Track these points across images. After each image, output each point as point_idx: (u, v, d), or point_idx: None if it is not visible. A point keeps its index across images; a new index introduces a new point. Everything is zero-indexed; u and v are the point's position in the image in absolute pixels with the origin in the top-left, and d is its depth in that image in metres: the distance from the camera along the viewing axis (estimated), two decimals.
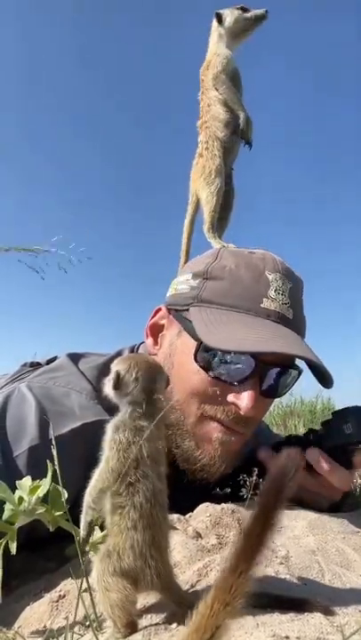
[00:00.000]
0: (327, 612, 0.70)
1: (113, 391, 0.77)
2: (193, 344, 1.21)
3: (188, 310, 1.26)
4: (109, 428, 0.75)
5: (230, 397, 1.18)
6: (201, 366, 1.19)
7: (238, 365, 1.17)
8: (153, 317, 1.39)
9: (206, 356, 1.19)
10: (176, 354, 1.28)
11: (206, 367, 1.19)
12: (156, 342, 1.37)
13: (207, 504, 1.16)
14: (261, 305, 1.19)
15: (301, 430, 4.31)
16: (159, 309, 1.39)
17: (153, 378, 0.78)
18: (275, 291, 1.20)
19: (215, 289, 1.24)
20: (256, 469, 0.98)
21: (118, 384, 0.77)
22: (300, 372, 1.28)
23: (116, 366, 0.79)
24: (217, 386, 1.19)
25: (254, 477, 0.97)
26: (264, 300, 1.19)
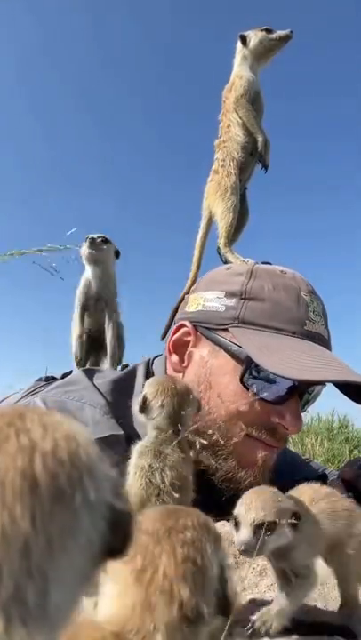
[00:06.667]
0: None
1: (141, 413, 0.77)
2: (234, 365, 1.19)
3: (226, 330, 1.23)
4: (134, 452, 0.73)
5: (275, 417, 1.18)
6: (247, 388, 1.17)
7: (282, 386, 1.17)
8: (175, 333, 1.33)
9: (250, 377, 1.17)
10: (213, 374, 1.24)
11: (252, 389, 1.17)
12: (182, 360, 1.31)
13: (222, 522, 1.13)
14: (305, 327, 1.19)
15: (319, 448, 4.22)
16: (182, 325, 1.33)
17: (180, 405, 0.76)
18: (313, 312, 1.22)
19: (257, 310, 1.21)
20: None
21: (144, 408, 0.75)
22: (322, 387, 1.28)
23: (146, 388, 0.77)
24: (261, 407, 1.17)
25: None
26: (307, 322, 1.20)
